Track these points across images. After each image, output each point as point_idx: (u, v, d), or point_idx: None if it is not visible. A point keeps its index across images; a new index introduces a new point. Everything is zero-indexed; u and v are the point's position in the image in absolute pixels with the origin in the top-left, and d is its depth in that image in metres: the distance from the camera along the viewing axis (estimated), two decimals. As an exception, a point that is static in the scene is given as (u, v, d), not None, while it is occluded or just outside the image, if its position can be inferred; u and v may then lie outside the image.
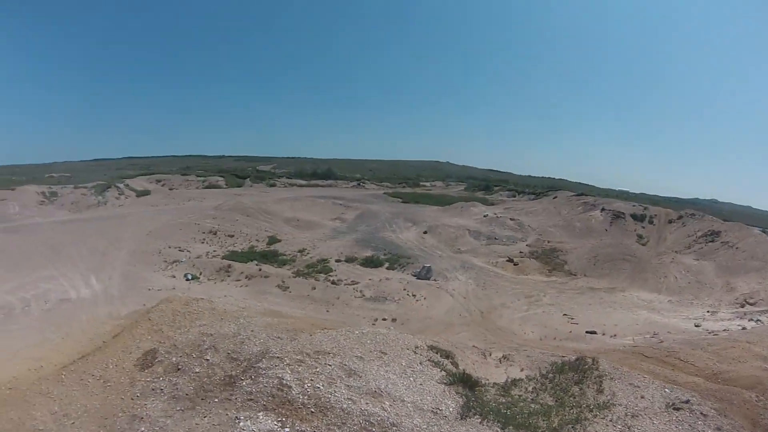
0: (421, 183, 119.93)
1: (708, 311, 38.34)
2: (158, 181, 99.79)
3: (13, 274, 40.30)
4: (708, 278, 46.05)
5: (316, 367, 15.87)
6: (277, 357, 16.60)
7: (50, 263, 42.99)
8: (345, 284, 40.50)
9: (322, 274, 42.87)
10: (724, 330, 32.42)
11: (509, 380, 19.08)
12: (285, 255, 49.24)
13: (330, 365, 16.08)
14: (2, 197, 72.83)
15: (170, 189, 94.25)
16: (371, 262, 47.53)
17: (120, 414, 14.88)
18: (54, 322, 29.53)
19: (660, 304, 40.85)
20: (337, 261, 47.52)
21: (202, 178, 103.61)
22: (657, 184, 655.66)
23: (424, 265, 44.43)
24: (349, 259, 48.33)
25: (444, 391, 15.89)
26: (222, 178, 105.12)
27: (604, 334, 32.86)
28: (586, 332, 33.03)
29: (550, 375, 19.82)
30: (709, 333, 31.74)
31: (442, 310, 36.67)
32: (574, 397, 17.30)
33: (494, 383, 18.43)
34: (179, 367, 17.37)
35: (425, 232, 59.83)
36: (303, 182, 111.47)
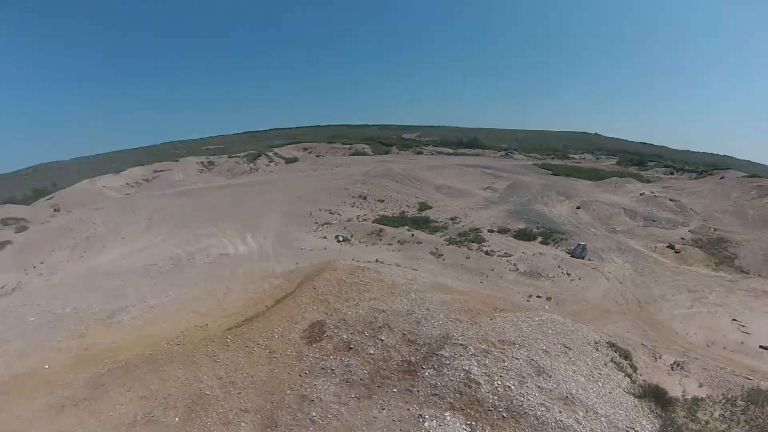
0: (570, 155, 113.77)
1: None
2: (305, 149, 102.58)
3: (180, 231, 43.32)
4: None
5: (504, 361, 14.24)
6: (461, 344, 15.02)
7: (211, 222, 45.34)
8: (498, 255, 38.22)
9: (474, 244, 41.03)
10: None
11: (690, 398, 16.41)
12: (437, 222, 47.92)
13: (518, 359, 14.31)
14: (169, 167, 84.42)
15: (317, 156, 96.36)
16: (524, 235, 44.88)
17: (288, 391, 13.94)
18: (216, 274, 30.86)
19: None
20: (490, 231, 45.41)
21: (347, 146, 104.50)
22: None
23: (579, 243, 41.21)
24: (502, 230, 45.97)
25: (636, 406, 13.53)
26: (368, 146, 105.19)
27: (782, 353, 27.72)
28: (761, 347, 27.25)
29: (740, 403, 16.18)
30: None
31: (598, 294, 33.26)
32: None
33: (676, 398, 15.92)
34: (351, 345, 16.07)
35: (578, 208, 55.97)
36: (450, 150, 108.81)
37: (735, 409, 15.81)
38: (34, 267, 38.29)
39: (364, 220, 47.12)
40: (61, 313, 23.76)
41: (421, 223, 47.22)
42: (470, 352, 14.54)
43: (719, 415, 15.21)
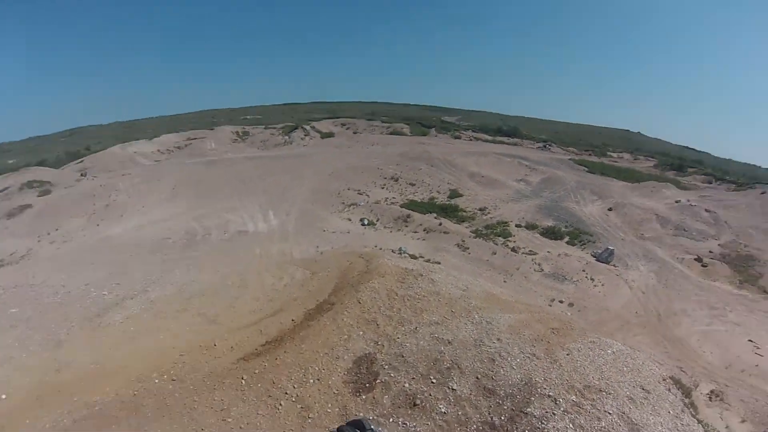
0: (608, 153, 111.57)
1: None
2: (343, 124, 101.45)
3: (202, 202, 43.16)
4: None
5: (599, 419, 12.60)
6: (549, 396, 13.20)
7: (236, 195, 45.20)
8: (523, 253, 37.46)
9: (500, 238, 40.30)
10: None
11: None
12: (465, 211, 47.16)
13: (610, 414, 12.86)
14: (202, 135, 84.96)
15: (354, 132, 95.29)
16: (552, 233, 44.10)
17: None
18: (230, 254, 30.38)
19: None
20: (517, 226, 44.57)
21: (386, 124, 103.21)
22: None
23: (608, 247, 39.88)
24: (530, 226, 45.16)
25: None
26: (407, 126, 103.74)
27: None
28: None
29: None
30: None
31: (619, 303, 32.46)
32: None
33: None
34: (416, 401, 13.29)
35: (610, 209, 54.58)
36: (488, 137, 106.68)
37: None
38: (48, 234, 38.58)
39: (393, 203, 46.49)
40: (49, 303, 21.68)
41: (449, 211, 46.44)
42: (561, 408, 12.83)
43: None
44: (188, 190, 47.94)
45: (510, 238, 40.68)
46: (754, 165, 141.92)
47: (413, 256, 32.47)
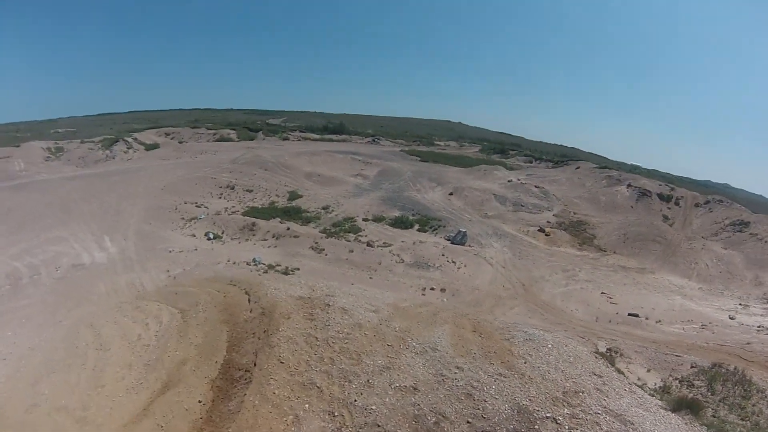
0: (435, 142, 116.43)
1: (740, 304, 36.40)
2: (167, 134, 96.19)
3: (20, 236, 37.23)
4: (737, 269, 43.52)
5: (596, 422, 12.47)
6: (547, 417, 12.48)
7: (59, 223, 40.37)
8: (379, 246, 38.34)
9: (351, 234, 40.86)
10: (759, 327, 30.86)
11: (660, 387, 17.48)
12: (309, 212, 47.17)
13: (599, 413, 12.88)
14: (7, 154, 70.94)
15: (180, 142, 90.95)
16: (401, 223, 45.41)
17: None
18: (71, 297, 25.93)
19: (691, 291, 38.71)
20: (365, 220, 45.52)
21: (212, 131, 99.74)
22: (668, 162, 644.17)
23: (460, 230, 42.32)
24: (377, 219, 46.24)
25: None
26: (233, 131, 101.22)
27: (647, 319, 31.13)
28: (629, 314, 31.56)
29: (701, 385, 18.00)
30: (759, 329, 30.22)
31: (485, 280, 34.75)
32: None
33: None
34: None
35: (451, 194, 57.36)
36: (316, 136, 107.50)
37: (705, 392, 17.52)
38: None
39: (234, 212, 45.32)
40: None
41: (292, 213, 46.26)
42: (566, 427, 12.24)
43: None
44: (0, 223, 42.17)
45: (360, 233, 41.65)
46: (562, 145, 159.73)
47: (270, 266, 31.84)
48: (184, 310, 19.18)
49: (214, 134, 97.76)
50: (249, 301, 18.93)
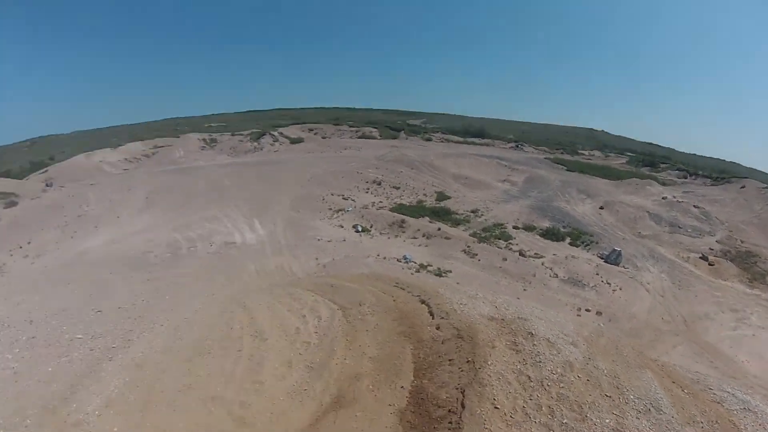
0: (579, 151, 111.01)
1: None
2: (310, 129, 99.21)
3: (180, 213, 39.54)
4: None
5: None
6: None
7: (214, 204, 41.81)
8: (530, 257, 35.18)
9: (501, 241, 38.07)
10: None
11: None
12: (458, 214, 44.73)
13: None
14: (169, 143, 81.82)
15: (323, 137, 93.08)
16: (552, 234, 42.11)
17: None
18: (223, 272, 26.59)
19: None
20: (515, 228, 42.49)
21: (354, 129, 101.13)
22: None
23: (615, 248, 37.96)
24: (528, 228, 43.14)
25: None
26: (375, 129, 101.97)
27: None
28: None
29: None
30: None
31: (643, 308, 30.42)
32: None
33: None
34: None
35: (601, 208, 52.77)
36: (459, 139, 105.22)
37: None
38: (21, 247, 34.86)
39: (381, 207, 43.80)
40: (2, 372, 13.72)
41: (441, 214, 43.99)
42: None
43: None
44: (163, 200, 44.43)
45: (511, 241, 38.54)
46: (719, 159, 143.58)
47: (422, 266, 29.89)
48: (344, 308, 17.10)
49: (356, 131, 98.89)
50: (431, 314, 15.82)
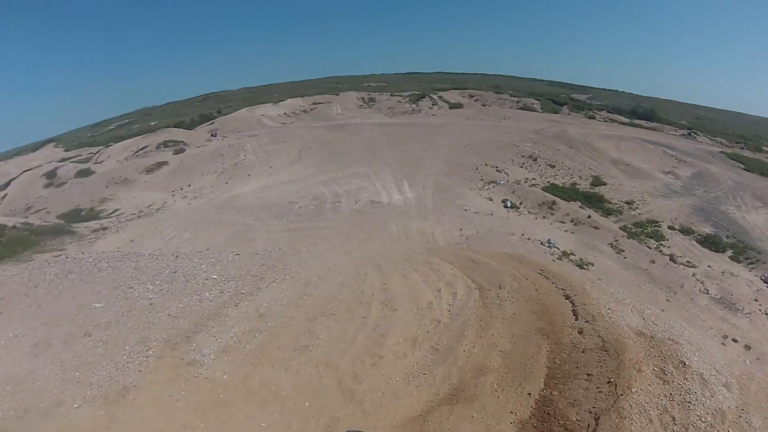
0: (764, 148, 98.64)
1: None
2: (471, 96, 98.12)
3: (330, 167, 41.40)
4: None
5: None
6: None
7: (365, 161, 43.19)
8: (681, 264, 32.64)
9: (652, 240, 35.91)
10: None
11: None
12: (611, 203, 42.98)
13: None
14: (328, 100, 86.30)
15: (483, 105, 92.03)
16: (711, 243, 37.99)
17: None
18: (363, 229, 27.31)
19: None
20: (670, 228, 39.61)
21: (515, 99, 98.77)
22: None
23: None
24: (685, 230, 39.75)
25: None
26: (537, 101, 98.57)
27: None
28: None
29: None
30: None
31: None
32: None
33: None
34: None
35: None
36: (624, 119, 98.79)
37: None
38: (181, 189, 39.51)
39: (533, 185, 43.14)
40: (141, 304, 14.60)
41: (594, 200, 42.47)
42: None
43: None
44: (315, 154, 46.68)
45: (663, 242, 36.09)
46: None
47: (565, 253, 29.25)
48: (482, 288, 15.76)
49: (518, 102, 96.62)
50: (575, 314, 13.84)
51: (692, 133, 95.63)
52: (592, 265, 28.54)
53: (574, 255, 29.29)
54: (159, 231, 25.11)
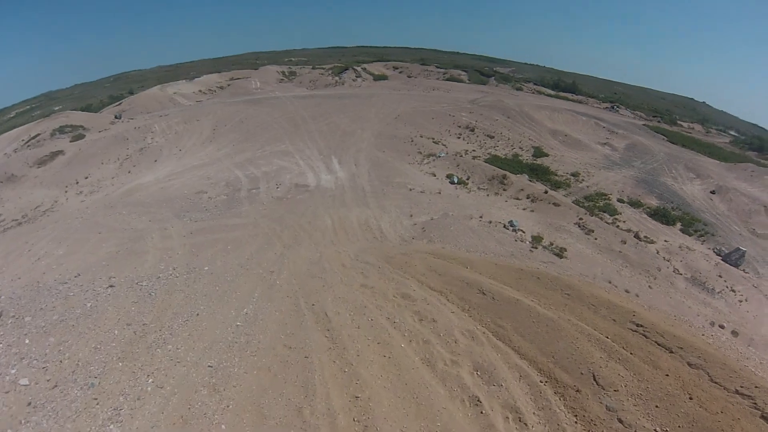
0: (678, 122, 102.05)
1: None
2: (395, 68, 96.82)
3: (247, 145, 36.79)
4: None
5: None
6: None
7: (286, 137, 38.59)
8: (645, 241, 29.83)
9: (606, 214, 33.24)
10: None
11: None
12: (557, 175, 40.12)
13: None
14: (246, 75, 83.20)
15: (408, 77, 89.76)
16: (662, 216, 36.47)
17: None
18: (288, 225, 21.98)
19: None
20: (620, 201, 37.66)
21: (442, 70, 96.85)
22: None
23: (739, 247, 32.05)
24: (633, 203, 38.02)
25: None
26: (464, 73, 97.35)
27: None
28: None
29: None
30: None
31: None
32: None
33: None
34: None
35: (713, 192, 46.73)
36: (551, 92, 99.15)
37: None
38: (77, 182, 33.57)
39: (475, 157, 39.34)
40: None
41: (540, 173, 39.58)
42: None
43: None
44: (231, 132, 41.90)
45: (617, 217, 33.62)
46: None
47: (535, 238, 25.23)
48: (560, 384, 11.21)
49: (444, 73, 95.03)
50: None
51: (615, 107, 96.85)
52: (566, 251, 24.73)
53: (543, 240, 25.26)
54: (29, 247, 19.54)
